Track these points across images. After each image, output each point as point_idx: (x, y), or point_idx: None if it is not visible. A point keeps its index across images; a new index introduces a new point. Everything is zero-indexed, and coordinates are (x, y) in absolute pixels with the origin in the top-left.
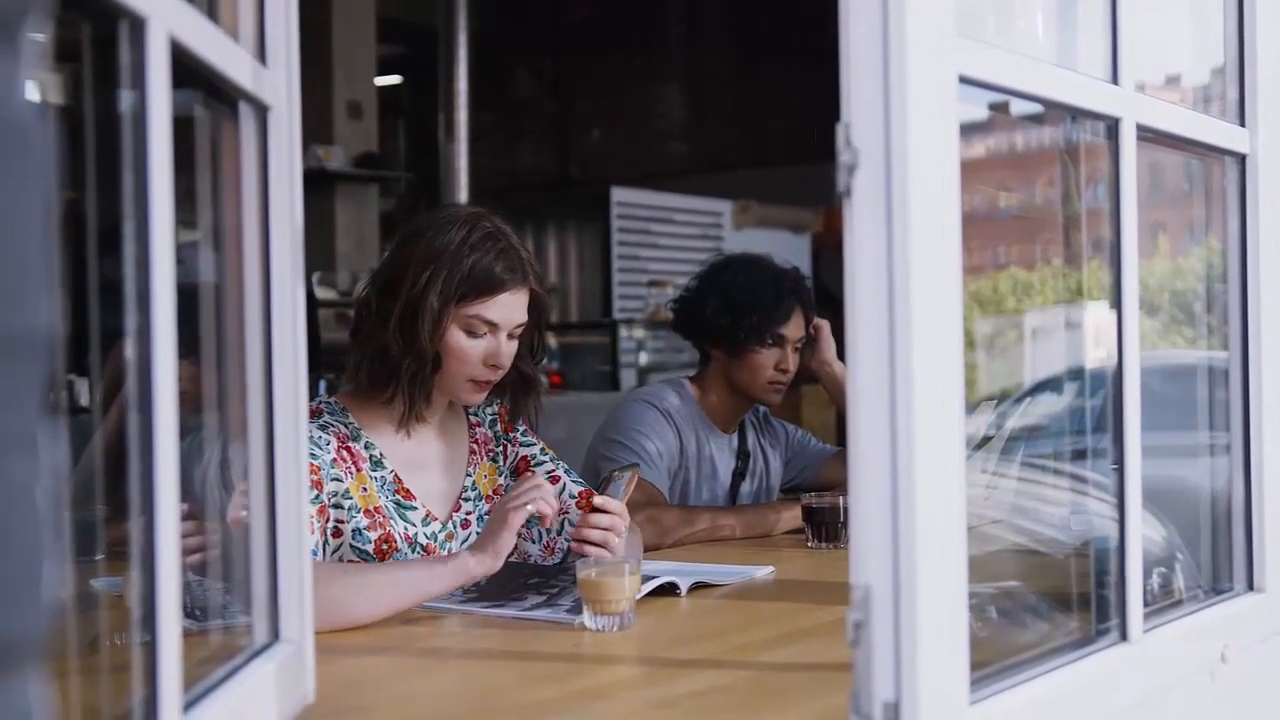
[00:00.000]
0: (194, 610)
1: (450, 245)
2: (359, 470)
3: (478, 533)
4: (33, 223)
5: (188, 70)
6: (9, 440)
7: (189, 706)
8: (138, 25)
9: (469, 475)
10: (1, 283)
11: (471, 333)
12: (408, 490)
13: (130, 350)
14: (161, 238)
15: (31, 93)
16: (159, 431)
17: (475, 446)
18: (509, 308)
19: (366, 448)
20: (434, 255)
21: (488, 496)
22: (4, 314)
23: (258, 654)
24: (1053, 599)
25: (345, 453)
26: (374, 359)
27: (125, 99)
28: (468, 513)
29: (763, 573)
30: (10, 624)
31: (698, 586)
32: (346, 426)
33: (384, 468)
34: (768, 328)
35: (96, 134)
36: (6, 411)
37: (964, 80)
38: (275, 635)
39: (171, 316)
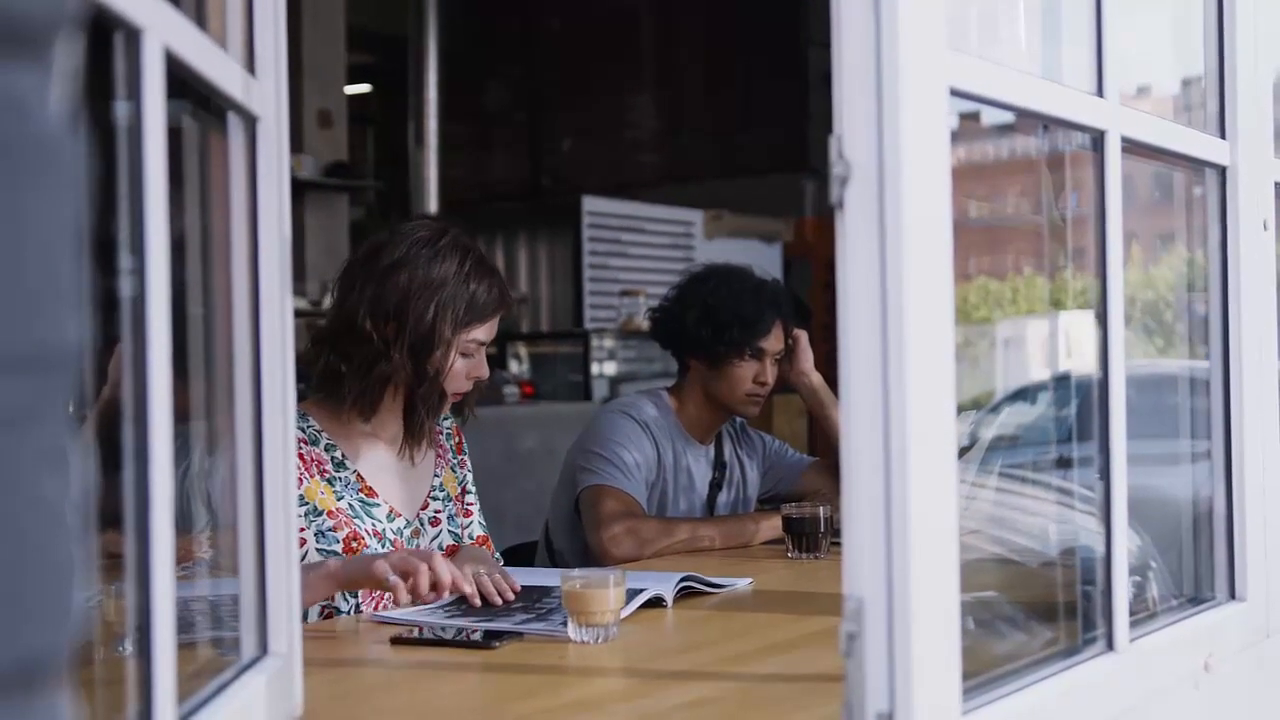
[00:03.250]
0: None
1: (449, 276)
2: (313, 476)
3: (449, 530)
4: (64, 237)
5: (179, 80)
6: (40, 456)
7: None
8: (133, 36)
9: (436, 476)
10: (32, 298)
11: (465, 354)
12: (370, 488)
13: (124, 361)
14: (156, 249)
15: (62, 108)
16: (153, 443)
17: (440, 450)
18: (495, 326)
19: (327, 450)
20: (434, 286)
21: (455, 498)
22: (35, 329)
23: (247, 668)
24: (1034, 608)
25: (298, 458)
26: (380, 385)
27: (120, 109)
28: (436, 511)
29: (743, 584)
30: (44, 641)
31: (684, 593)
32: (304, 431)
33: (347, 469)
34: (748, 341)
35: (89, 143)
36: (37, 427)
37: (955, 93)
38: (264, 649)
39: (167, 327)
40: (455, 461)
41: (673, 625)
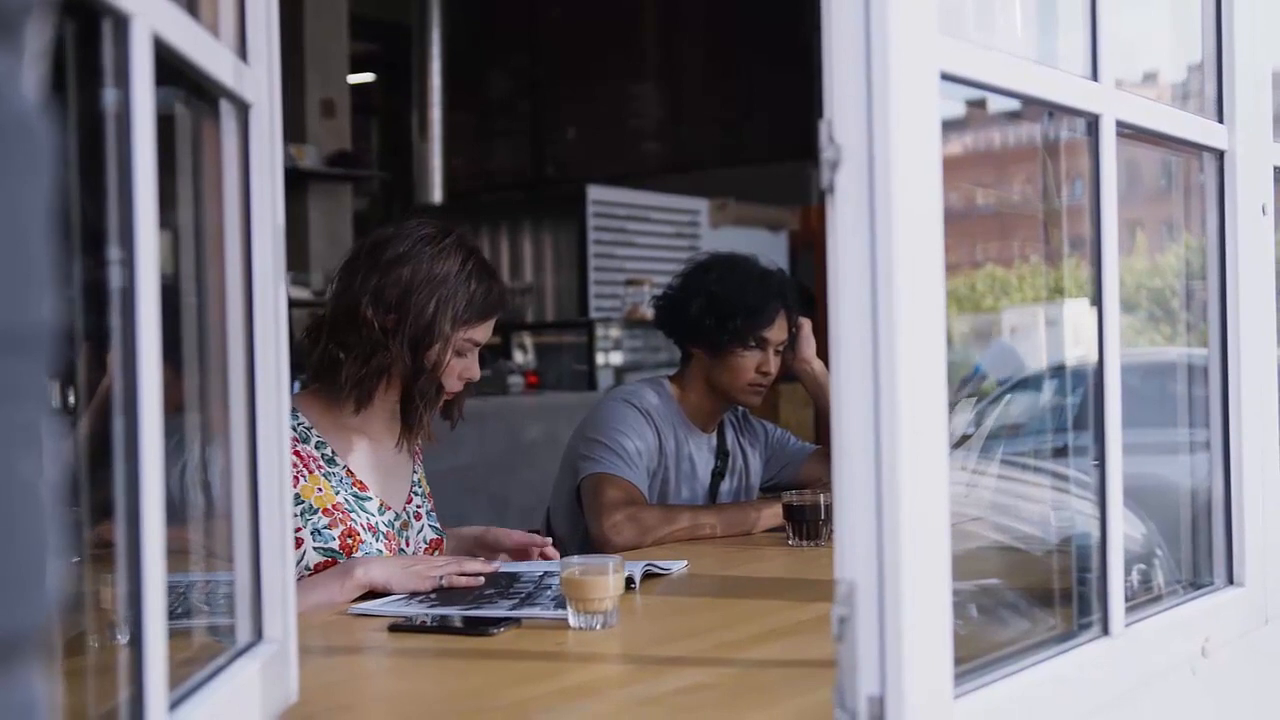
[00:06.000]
0: (174, 609)
1: (451, 273)
2: (311, 472)
3: (430, 525)
4: (36, 219)
5: (169, 68)
6: (14, 434)
7: (174, 706)
8: (121, 23)
9: (415, 472)
10: (7, 278)
11: (459, 353)
12: (361, 482)
13: (114, 352)
14: (146, 238)
15: (33, 90)
16: (144, 432)
17: (417, 450)
18: (490, 328)
19: (318, 447)
20: (436, 282)
21: (428, 494)
22: (10, 309)
23: (241, 653)
24: (1034, 595)
25: (294, 456)
26: (376, 375)
27: (108, 96)
28: (418, 506)
29: (677, 567)
30: (16, 619)
31: (649, 576)
32: (295, 429)
33: (337, 464)
34: (751, 330)
35: (76, 131)
36: (12, 405)
37: (946, 77)
38: (259, 635)
39: (156, 317)
40: (423, 460)
41: (670, 612)
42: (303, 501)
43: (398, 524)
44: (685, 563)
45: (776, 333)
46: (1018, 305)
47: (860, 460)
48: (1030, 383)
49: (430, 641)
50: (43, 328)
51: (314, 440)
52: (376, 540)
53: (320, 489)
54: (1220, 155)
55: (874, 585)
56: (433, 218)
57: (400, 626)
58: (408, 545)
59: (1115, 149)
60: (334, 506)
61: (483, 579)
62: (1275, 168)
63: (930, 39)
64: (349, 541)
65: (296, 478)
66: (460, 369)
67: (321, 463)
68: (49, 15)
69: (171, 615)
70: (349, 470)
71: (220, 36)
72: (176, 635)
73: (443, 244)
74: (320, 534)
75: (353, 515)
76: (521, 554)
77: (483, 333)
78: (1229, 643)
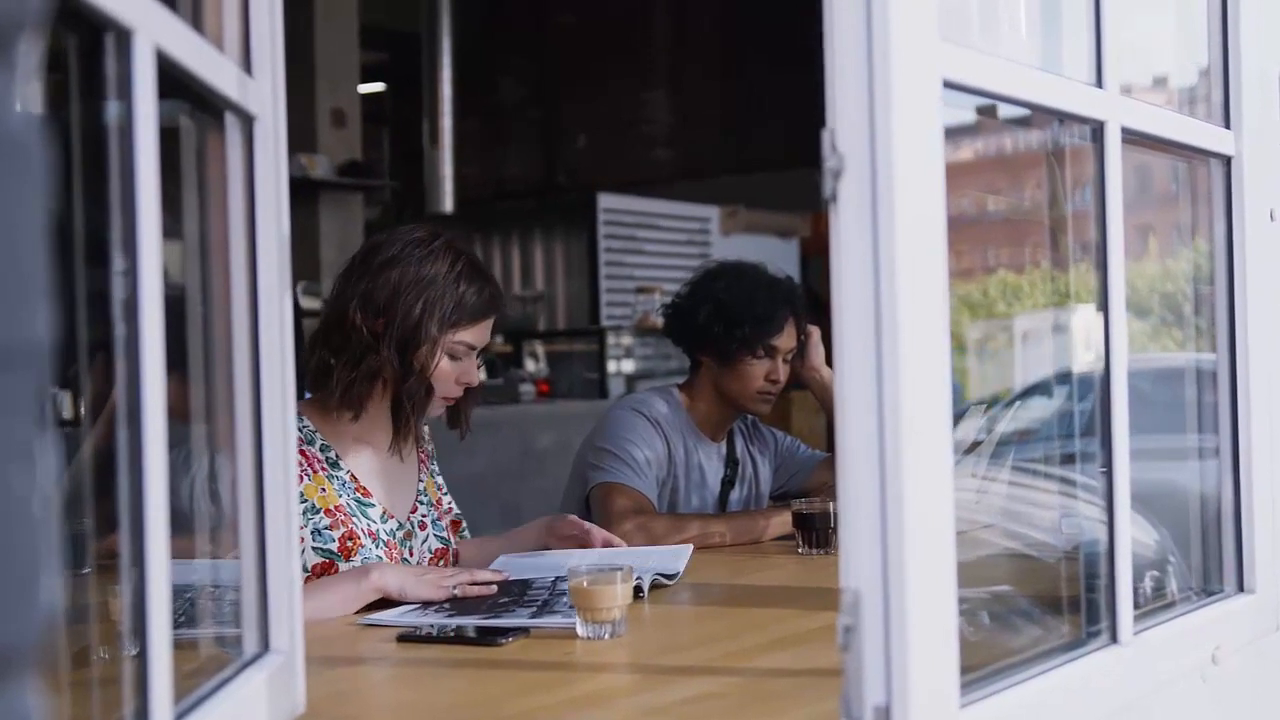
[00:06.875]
0: (179, 619)
1: (439, 275)
2: (315, 473)
3: (435, 534)
4: (31, 234)
5: (173, 80)
6: (7, 450)
7: (180, 718)
8: (124, 37)
9: (420, 481)
10: (1, 294)
11: (453, 356)
12: (365, 489)
13: (118, 363)
14: (149, 250)
15: (27, 105)
16: (148, 443)
17: (423, 458)
18: (487, 331)
19: (322, 450)
20: (424, 284)
21: (435, 503)
22: (4, 325)
23: (248, 664)
24: (1044, 602)
25: (299, 456)
26: (367, 379)
27: (111, 109)
28: (423, 515)
29: (684, 559)
30: (9, 633)
31: (656, 586)
32: (300, 431)
33: (341, 469)
34: (760, 339)
35: (81, 145)
36: (5, 421)
37: (948, 85)
38: (265, 646)
39: (160, 329)
40: (433, 469)
41: (679, 621)
42: (305, 500)
43: (400, 533)
44: (690, 547)
45: (785, 340)
46: (1029, 311)
47: (864, 468)
48: (1041, 389)
49: (439, 652)
50: (38, 344)
51: (319, 443)
52: (376, 547)
53: (324, 489)
54: (1227, 161)
55: (879, 594)
56: (441, 225)
57: (409, 636)
58: (411, 555)
59: (1120, 155)
60: (336, 508)
61: (495, 588)
62: None
63: (932, 46)
64: (348, 545)
65: (300, 476)
66: (457, 373)
67: (326, 465)
68: (43, 32)
69: (176, 624)
70: (353, 475)
71: (224, 49)
72: (183, 646)
73: (431, 247)
74: (321, 534)
75: (354, 519)
76: (583, 543)
77: (475, 335)
78: (1239, 650)
